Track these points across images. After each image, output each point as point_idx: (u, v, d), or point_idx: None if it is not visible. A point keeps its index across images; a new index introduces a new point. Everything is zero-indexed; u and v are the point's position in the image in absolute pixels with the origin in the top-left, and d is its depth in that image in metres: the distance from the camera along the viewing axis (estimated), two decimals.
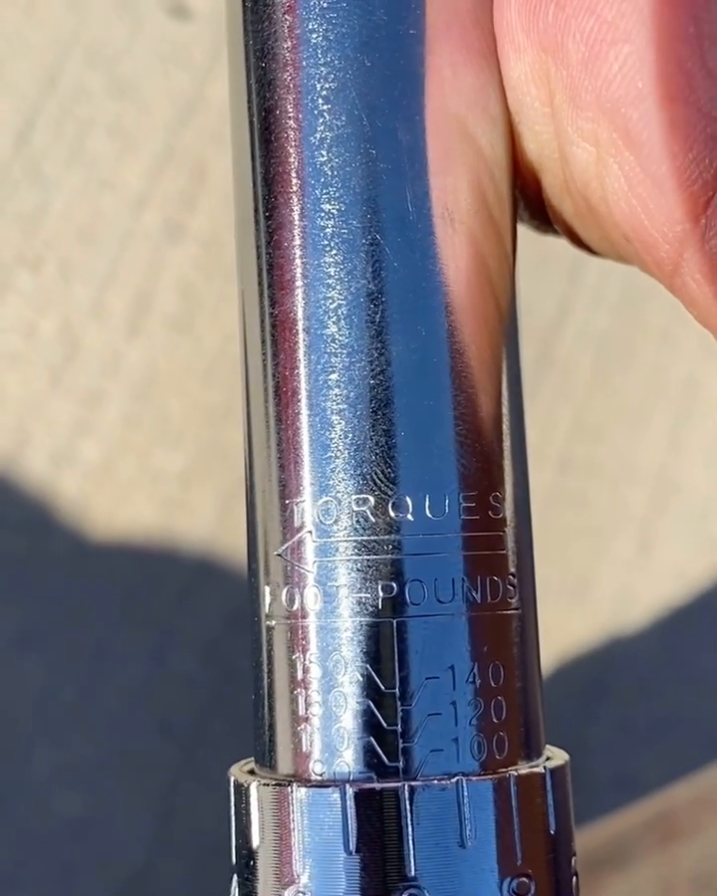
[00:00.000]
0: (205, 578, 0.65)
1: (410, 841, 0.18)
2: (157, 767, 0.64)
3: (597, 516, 0.68)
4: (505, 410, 0.20)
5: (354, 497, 0.19)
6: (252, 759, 0.21)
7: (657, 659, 0.66)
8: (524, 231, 0.23)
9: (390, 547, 0.19)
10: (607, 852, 0.37)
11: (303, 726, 0.19)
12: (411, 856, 0.18)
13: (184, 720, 0.64)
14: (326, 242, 0.19)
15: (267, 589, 0.20)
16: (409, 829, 0.18)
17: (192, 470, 0.67)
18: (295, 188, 0.19)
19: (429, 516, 0.19)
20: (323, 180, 0.19)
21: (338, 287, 0.19)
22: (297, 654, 0.19)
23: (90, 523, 0.66)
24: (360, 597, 0.19)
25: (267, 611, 0.20)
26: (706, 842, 0.38)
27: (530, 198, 0.22)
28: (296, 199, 0.19)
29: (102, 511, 0.66)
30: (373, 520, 0.19)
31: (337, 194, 0.19)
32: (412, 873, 0.18)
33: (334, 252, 0.19)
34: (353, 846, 0.18)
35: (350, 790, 0.18)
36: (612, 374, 0.68)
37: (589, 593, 0.67)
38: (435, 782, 0.18)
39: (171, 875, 0.63)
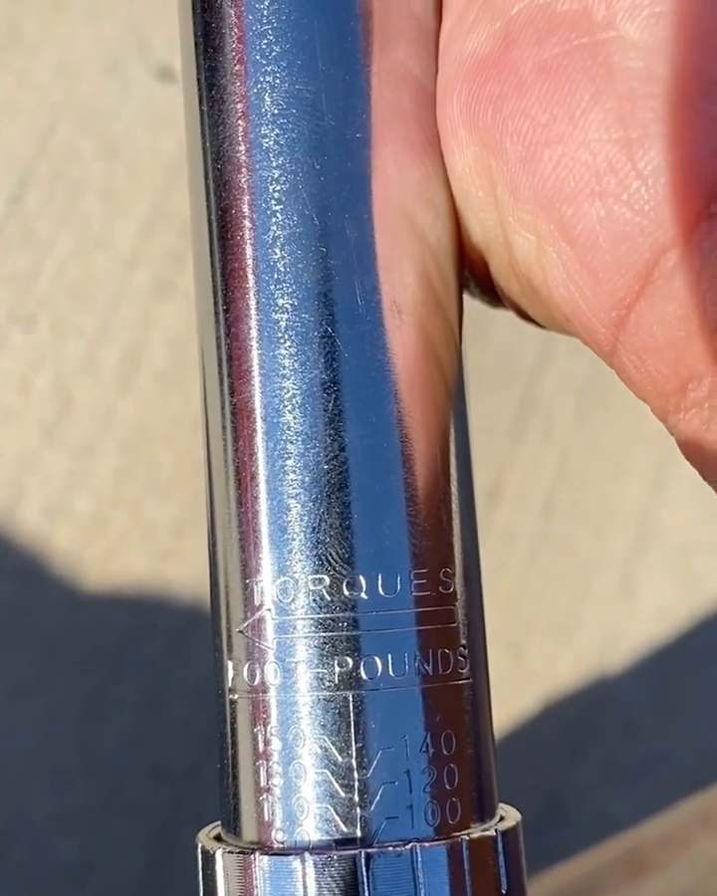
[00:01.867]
0: (197, 626, 0.66)
1: None
2: (153, 811, 0.64)
3: (581, 558, 0.69)
4: (454, 488, 0.21)
5: (310, 576, 0.20)
6: (219, 823, 0.21)
7: (642, 699, 0.66)
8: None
9: (346, 624, 0.19)
10: (580, 888, 0.38)
11: (265, 796, 0.20)
12: None
13: (178, 765, 0.65)
14: (280, 334, 0.20)
15: (230, 664, 0.20)
16: (366, 894, 0.19)
17: (183, 520, 0.67)
18: (251, 284, 0.20)
19: (382, 594, 0.20)
20: (276, 276, 0.20)
21: (292, 377, 0.20)
22: (258, 727, 0.20)
23: (83, 573, 0.66)
24: (318, 673, 0.19)
25: (230, 685, 0.20)
26: (670, 876, 0.39)
27: (479, 278, 0.23)
28: (252, 294, 0.20)
29: (95, 561, 0.67)
30: (329, 598, 0.20)
31: (290, 289, 0.20)
32: None
33: (288, 344, 0.20)
34: None
35: (309, 858, 0.19)
36: (595, 419, 0.68)
37: (574, 635, 0.67)
38: (391, 848, 0.19)
39: None
